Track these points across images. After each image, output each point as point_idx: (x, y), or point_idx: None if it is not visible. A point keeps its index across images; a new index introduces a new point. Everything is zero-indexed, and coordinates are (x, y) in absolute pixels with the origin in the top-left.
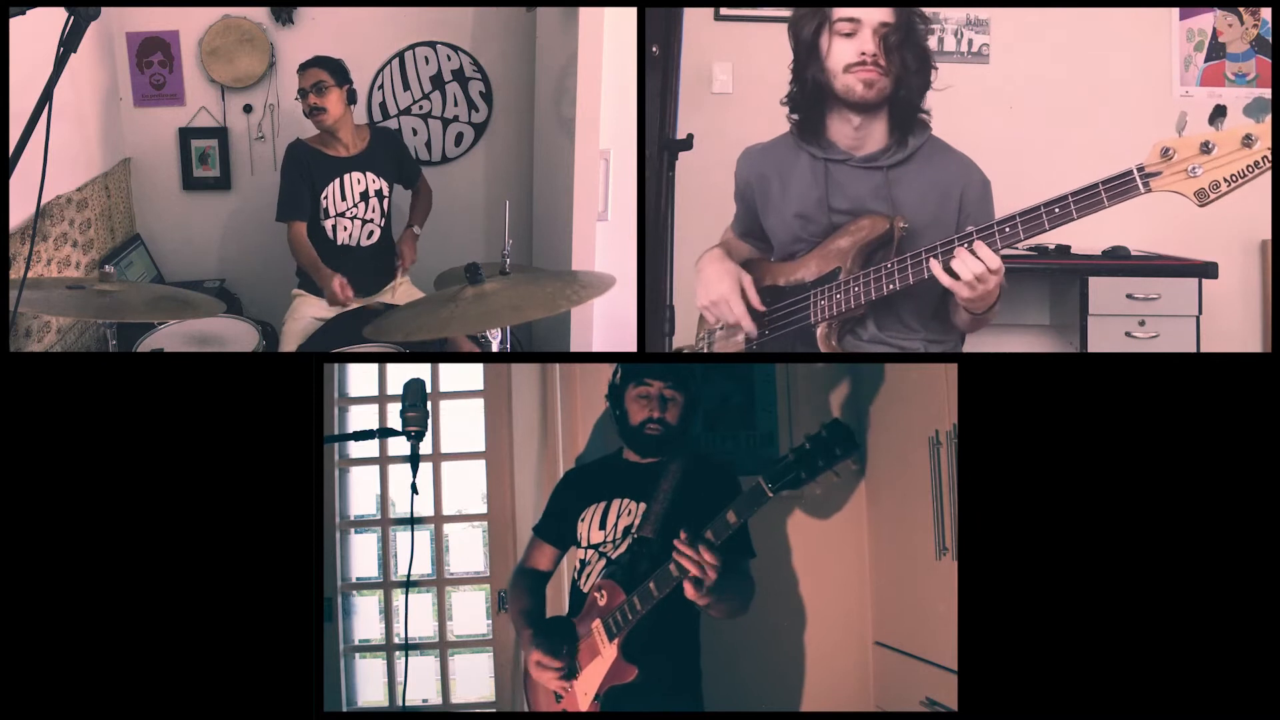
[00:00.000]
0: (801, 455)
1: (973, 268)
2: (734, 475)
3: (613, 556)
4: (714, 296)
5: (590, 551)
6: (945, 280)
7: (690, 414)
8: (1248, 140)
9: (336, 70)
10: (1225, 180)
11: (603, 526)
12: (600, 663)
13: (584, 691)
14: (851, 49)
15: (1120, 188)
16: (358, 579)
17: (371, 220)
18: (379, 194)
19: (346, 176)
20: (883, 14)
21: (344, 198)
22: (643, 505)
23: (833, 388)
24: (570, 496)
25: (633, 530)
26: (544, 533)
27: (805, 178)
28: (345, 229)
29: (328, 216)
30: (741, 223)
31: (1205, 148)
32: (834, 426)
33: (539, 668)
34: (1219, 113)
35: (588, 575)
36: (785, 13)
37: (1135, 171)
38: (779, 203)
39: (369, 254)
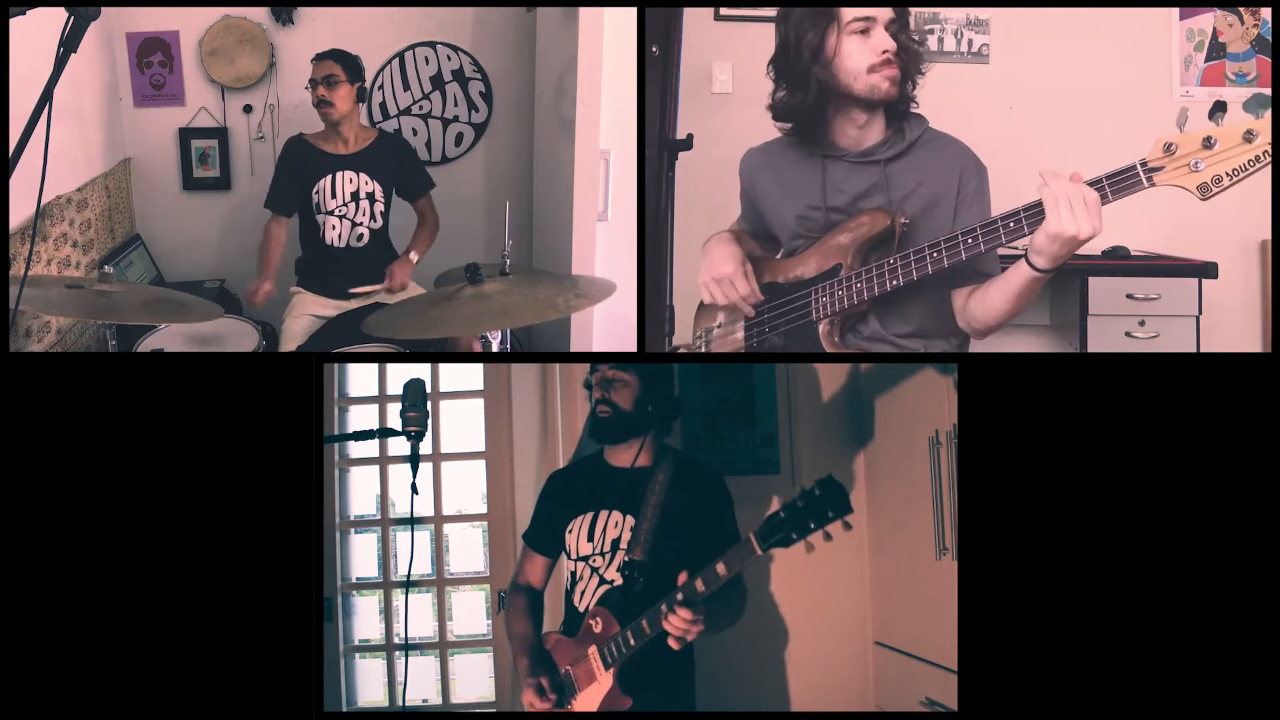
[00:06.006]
0: (793, 513)
1: (1066, 186)
2: (721, 480)
3: (603, 573)
4: (717, 274)
5: (581, 565)
6: (1048, 198)
7: (645, 399)
8: (1249, 136)
9: (351, 66)
10: (1227, 175)
11: (590, 539)
12: (597, 688)
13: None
14: (870, 48)
15: (1124, 182)
16: (358, 579)
17: (361, 223)
18: (370, 196)
19: (339, 174)
20: (886, 11)
21: (334, 195)
22: (630, 519)
23: (833, 388)
24: (556, 502)
25: (621, 545)
26: (533, 541)
27: (802, 175)
28: (334, 228)
29: (319, 212)
30: (747, 221)
31: (1207, 143)
32: (827, 484)
33: (532, 707)
34: (1219, 108)
35: (581, 591)
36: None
37: (1138, 166)
38: (777, 201)
39: (357, 256)
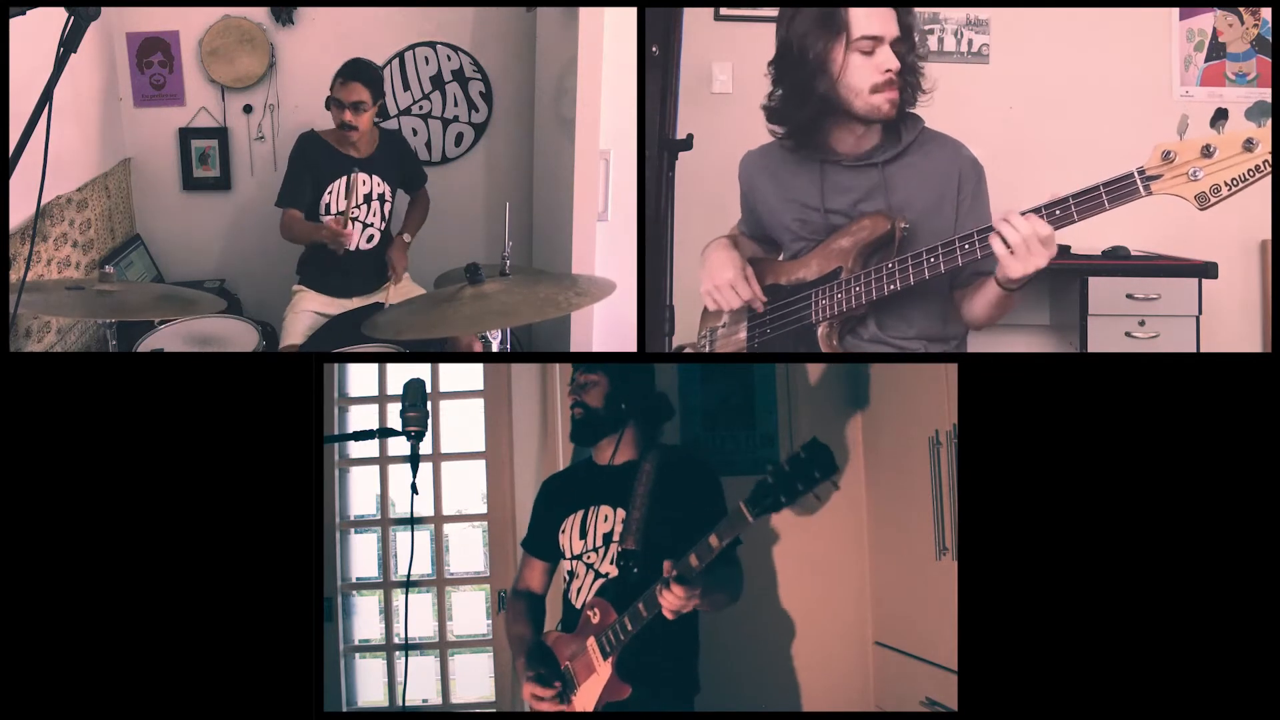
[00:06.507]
0: (780, 478)
1: (1022, 231)
2: (710, 469)
3: (598, 568)
4: (717, 281)
5: (576, 562)
6: (999, 250)
7: (616, 396)
8: (1249, 144)
9: (376, 87)
10: (1226, 184)
11: (583, 536)
12: (596, 680)
13: (582, 707)
14: (873, 67)
15: (1121, 190)
16: (358, 579)
17: (372, 224)
18: (381, 198)
19: (352, 176)
20: (893, 28)
21: (347, 197)
22: (620, 511)
23: (833, 388)
24: (549, 507)
25: (613, 538)
26: (530, 547)
27: (800, 178)
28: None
29: (329, 213)
30: (747, 224)
31: (1206, 151)
32: (813, 447)
33: (535, 699)
34: (1220, 115)
35: (578, 589)
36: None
37: (1136, 174)
38: (776, 204)
39: (367, 257)
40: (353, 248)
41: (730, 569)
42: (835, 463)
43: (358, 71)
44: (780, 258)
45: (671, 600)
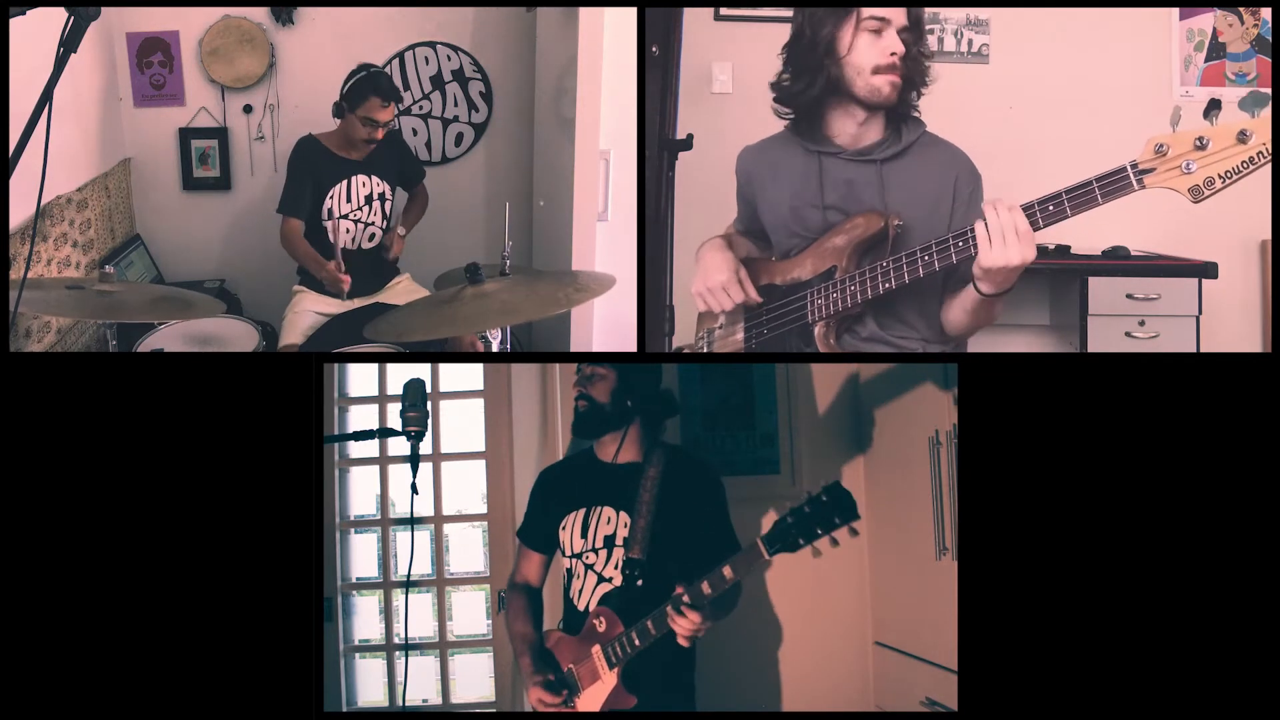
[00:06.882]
0: (800, 519)
1: (1003, 218)
2: (714, 473)
3: (600, 570)
4: (710, 283)
5: (575, 561)
6: (980, 232)
7: (622, 393)
8: (1242, 136)
9: (399, 104)
10: (1220, 177)
11: (584, 535)
12: (601, 687)
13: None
14: (879, 49)
15: (1114, 184)
16: (358, 579)
17: (373, 224)
18: (382, 197)
19: (353, 179)
20: (901, 16)
21: (349, 200)
22: (623, 515)
23: (832, 388)
24: (548, 499)
25: (615, 542)
26: (527, 538)
27: (798, 171)
28: (348, 231)
29: (331, 217)
30: (743, 220)
31: (1199, 143)
32: (834, 490)
33: (541, 704)
34: (1213, 105)
35: (579, 589)
36: (785, 12)
37: (1129, 168)
38: (773, 197)
39: (369, 256)
40: (346, 289)
41: (733, 590)
42: (856, 510)
43: (393, 92)
44: (774, 257)
45: (686, 626)
